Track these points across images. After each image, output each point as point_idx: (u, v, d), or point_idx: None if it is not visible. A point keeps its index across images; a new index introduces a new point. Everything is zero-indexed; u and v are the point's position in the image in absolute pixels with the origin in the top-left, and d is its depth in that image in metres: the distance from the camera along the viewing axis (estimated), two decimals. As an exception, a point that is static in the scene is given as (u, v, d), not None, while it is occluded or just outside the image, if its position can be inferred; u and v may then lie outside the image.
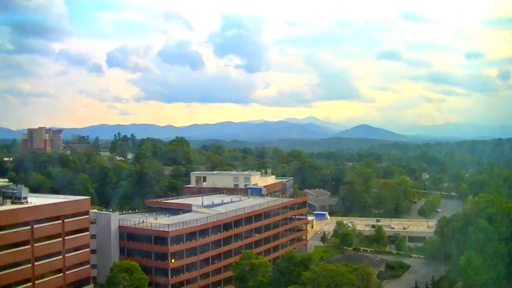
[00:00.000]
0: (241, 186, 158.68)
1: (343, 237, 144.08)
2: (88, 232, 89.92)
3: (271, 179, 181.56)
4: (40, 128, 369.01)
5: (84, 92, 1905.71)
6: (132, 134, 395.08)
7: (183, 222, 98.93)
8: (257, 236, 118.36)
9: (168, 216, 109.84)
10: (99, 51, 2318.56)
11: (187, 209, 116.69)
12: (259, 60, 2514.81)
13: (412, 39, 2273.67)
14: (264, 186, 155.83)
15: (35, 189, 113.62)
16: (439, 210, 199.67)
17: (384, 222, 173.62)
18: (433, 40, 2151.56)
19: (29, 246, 76.92)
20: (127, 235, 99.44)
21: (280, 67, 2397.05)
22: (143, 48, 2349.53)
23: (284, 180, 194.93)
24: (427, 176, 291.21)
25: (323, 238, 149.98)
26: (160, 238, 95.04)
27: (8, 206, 78.38)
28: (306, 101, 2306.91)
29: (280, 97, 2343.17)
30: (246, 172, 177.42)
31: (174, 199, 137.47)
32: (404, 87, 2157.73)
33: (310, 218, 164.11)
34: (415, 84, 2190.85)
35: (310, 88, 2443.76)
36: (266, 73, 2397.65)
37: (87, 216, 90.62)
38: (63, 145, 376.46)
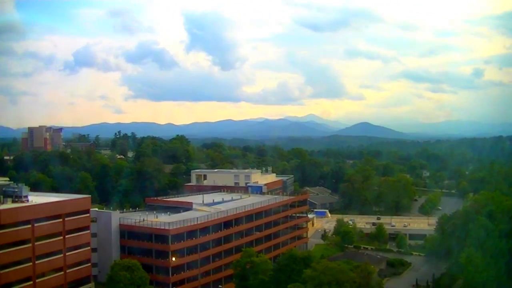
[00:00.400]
0: (242, 184, 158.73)
1: (343, 235, 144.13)
2: (88, 231, 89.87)
3: (271, 177, 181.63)
4: (41, 127, 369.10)
5: (69, 91, 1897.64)
6: (132, 133, 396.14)
7: (183, 220, 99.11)
8: (257, 234, 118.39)
9: (169, 214, 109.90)
10: (83, 49, 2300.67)
11: (187, 207, 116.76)
12: (240, 59, 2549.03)
13: (383, 38, 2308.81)
14: (265, 184, 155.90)
15: (35, 188, 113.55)
16: (440, 207, 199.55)
17: (384, 219, 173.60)
18: (404, 38, 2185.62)
19: (30, 245, 76.94)
20: (128, 233, 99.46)
21: (264, 66, 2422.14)
22: (123, 47, 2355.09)
23: (284, 178, 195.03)
24: (428, 174, 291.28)
25: (324, 236, 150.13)
26: (160, 236, 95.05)
27: (9, 205, 78.35)
28: (294, 99, 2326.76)
29: (267, 95, 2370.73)
30: (246, 170, 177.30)
31: (175, 197, 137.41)
32: (387, 85, 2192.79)
33: (310, 216, 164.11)
34: (397, 82, 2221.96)
35: (297, 86, 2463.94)
36: (251, 72, 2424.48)
37: (88, 214, 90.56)
38: (64, 143, 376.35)
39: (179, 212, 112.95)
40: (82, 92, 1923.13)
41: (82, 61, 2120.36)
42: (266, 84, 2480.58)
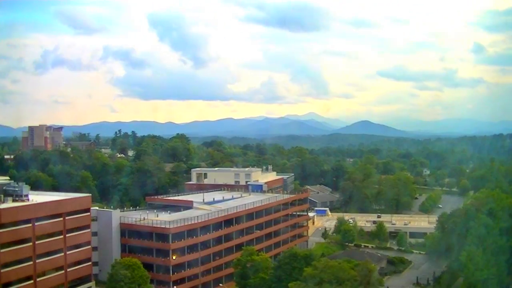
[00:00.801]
0: (242, 182, 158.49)
1: (344, 233, 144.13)
2: (89, 229, 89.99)
3: (272, 176, 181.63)
4: (41, 126, 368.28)
5: (54, 90, 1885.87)
6: (132, 131, 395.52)
7: (184, 219, 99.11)
8: (258, 233, 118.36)
9: (169, 213, 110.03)
10: (65, 48, 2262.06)
11: (188, 205, 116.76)
12: (214, 58, 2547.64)
13: (349, 37, 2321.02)
14: (265, 183, 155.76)
15: (36, 187, 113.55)
16: (440, 205, 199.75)
17: (385, 218, 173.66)
18: (374, 37, 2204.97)
19: (30, 244, 76.99)
20: (128, 232, 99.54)
21: (246, 65, 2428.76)
22: (106, 47, 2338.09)
23: (285, 177, 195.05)
24: (428, 172, 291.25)
25: (324, 234, 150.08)
26: (161, 235, 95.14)
27: (9, 204, 78.38)
28: (280, 98, 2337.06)
29: (255, 93, 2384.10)
30: (247, 169, 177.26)
31: (175, 196, 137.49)
32: (368, 84, 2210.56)
33: (311, 214, 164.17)
34: (375, 80, 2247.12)
35: (282, 85, 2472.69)
36: (235, 71, 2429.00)
37: (88, 213, 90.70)
38: (64, 142, 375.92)
39: (179, 210, 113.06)
40: (67, 91, 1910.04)
41: (63, 60, 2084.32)
42: (250, 83, 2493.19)
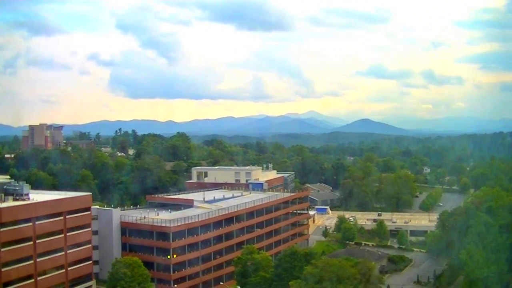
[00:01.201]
0: (243, 181, 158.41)
1: (344, 231, 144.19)
2: (90, 228, 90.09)
3: (272, 174, 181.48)
4: (41, 125, 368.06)
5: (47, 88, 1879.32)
6: (133, 130, 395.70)
7: (184, 217, 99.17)
8: (258, 231, 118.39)
9: (170, 212, 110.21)
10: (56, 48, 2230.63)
11: (188, 204, 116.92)
12: (189, 56, 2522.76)
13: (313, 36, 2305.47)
14: (266, 181, 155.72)
15: (36, 186, 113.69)
16: (441, 203, 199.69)
17: (385, 216, 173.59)
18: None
19: (31, 243, 77.06)
20: (129, 231, 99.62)
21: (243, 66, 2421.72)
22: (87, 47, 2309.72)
23: (285, 175, 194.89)
24: (429, 170, 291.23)
25: (325, 233, 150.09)
26: (161, 233, 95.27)
27: (10, 203, 78.39)
28: (269, 97, 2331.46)
29: (241, 92, 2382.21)
30: (247, 167, 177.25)
31: (176, 194, 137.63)
32: (352, 83, 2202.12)
33: (311, 212, 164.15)
34: (356, 79, 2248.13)
35: (268, 84, 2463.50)
36: (220, 70, 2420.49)
37: (89, 212, 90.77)
38: (64, 141, 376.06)
39: (180, 209, 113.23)
40: (54, 91, 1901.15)
41: (46, 60, 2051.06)
42: (234, 81, 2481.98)
